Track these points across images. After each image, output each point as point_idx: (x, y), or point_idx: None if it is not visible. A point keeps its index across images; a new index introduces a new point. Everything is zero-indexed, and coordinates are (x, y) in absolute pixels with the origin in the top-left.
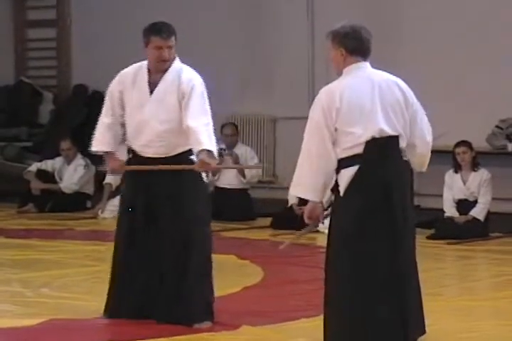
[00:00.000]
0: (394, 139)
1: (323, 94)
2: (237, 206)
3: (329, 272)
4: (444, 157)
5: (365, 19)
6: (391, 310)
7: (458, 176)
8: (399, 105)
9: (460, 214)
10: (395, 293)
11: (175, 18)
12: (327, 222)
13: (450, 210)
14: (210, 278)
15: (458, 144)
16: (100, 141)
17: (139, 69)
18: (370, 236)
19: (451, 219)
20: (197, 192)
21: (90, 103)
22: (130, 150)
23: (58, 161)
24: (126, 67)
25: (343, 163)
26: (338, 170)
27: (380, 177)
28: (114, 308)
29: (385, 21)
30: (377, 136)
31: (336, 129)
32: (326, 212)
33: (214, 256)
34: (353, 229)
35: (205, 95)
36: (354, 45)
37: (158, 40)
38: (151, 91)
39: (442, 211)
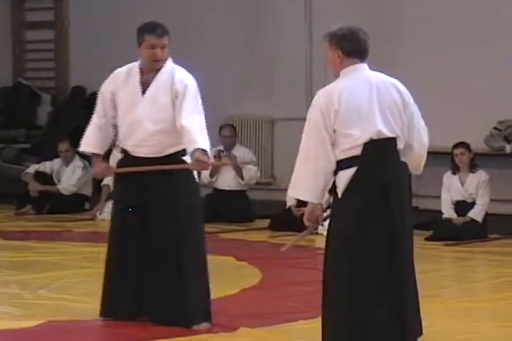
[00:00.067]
0: (392, 141)
1: (322, 95)
2: (235, 208)
3: (327, 273)
4: (442, 158)
5: (364, 20)
6: (389, 311)
7: (456, 177)
8: (397, 107)
9: (458, 215)
10: (393, 294)
11: (174, 19)
12: (326, 223)
13: (448, 212)
14: (206, 278)
15: (456, 145)
16: (89, 143)
17: (130, 69)
18: (369, 238)
19: (449, 220)
20: (189, 192)
21: (88, 105)
22: (122, 151)
23: (56, 163)
24: None
25: (341, 165)
26: (336, 172)
27: (378, 179)
28: (110, 309)
29: (385, 22)
30: (375, 137)
31: (334, 131)
32: (325, 214)
33: (212, 258)
34: (352, 231)
35: (198, 96)
36: (351, 46)
37: (152, 38)
38: (144, 91)
39: (440, 212)
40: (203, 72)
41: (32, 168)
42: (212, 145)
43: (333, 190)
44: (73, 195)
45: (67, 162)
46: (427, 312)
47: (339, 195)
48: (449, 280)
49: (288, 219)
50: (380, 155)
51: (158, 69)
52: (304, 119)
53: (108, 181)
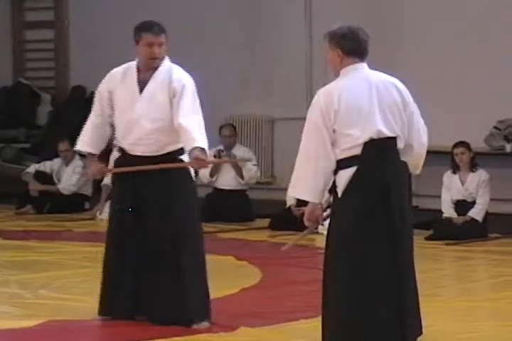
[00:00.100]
0: (392, 140)
1: (321, 95)
2: (235, 207)
3: (327, 273)
4: (442, 158)
5: (365, 19)
6: (389, 311)
7: (456, 177)
8: (397, 106)
9: (458, 214)
10: (393, 294)
11: (174, 19)
12: (326, 223)
13: (448, 211)
14: (205, 278)
15: (456, 145)
16: (85, 142)
17: (127, 68)
18: (369, 237)
19: (449, 219)
20: (186, 191)
21: (88, 104)
22: (120, 149)
23: (56, 162)
24: None
25: (341, 164)
26: (336, 171)
27: (378, 179)
28: (108, 308)
29: (385, 21)
30: (375, 137)
31: (334, 131)
32: (325, 213)
33: (212, 257)
34: (352, 230)
35: (196, 95)
36: (351, 46)
37: (150, 36)
38: (141, 90)
39: (440, 212)
40: (203, 71)
41: (32, 168)
42: (212, 145)
43: (333, 190)
44: (73, 195)
45: (67, 162)
46: (427, 311)
47: (339, 195)
48: (449, 279)
49: (288, 218)
50: (380, 155)
51: (156, 68)
52: (304, 119)
53: (108, 181)
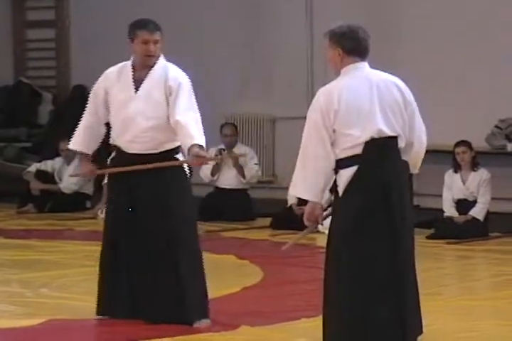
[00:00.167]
0: (393, 140)
1: (322, 95)
2: (236, 206)
3: (329, 272)
4: (443, 157)
5: (365, 18)
6: (390, 310)
7: (457, 176)
8: (397, 105)
9: (459, 214)
10: (394, 293)
11: (174, 18)
12: (327, 222)
13: (449, 210)
14: (203, 277)
15: (457, 144)
16: (77, 141)
17: (122, 67)
18: (370, 236)
19: (450, 219)
20: (181, 190)
21: None
22: (116, 148)
23: (58, 162)
24: None
25: (341, 164)
26: (337, 171)
27: (379, 178)
28: (106, 308)
29: (384, 20)
30: (376, 136)
31: (333, 131)
32: (325, 213)
33: (213, 256)
34: (353, 228)
35: (192, 93)
36: (351, 45)
37: (145, 33)
38: (137, 88)
39: (442, 211)
40: (204, 70)
41: (33, 167)
42: (213, 144)
43: (334, 189)
44: (74, 194)
45: (68, 161)
46: (428, 310)
47: (340, 194)
48: (450, 278)
49: (289, 217)
50: (381, 154)
51: (151, 66)
52: (305, 118)
53: None
